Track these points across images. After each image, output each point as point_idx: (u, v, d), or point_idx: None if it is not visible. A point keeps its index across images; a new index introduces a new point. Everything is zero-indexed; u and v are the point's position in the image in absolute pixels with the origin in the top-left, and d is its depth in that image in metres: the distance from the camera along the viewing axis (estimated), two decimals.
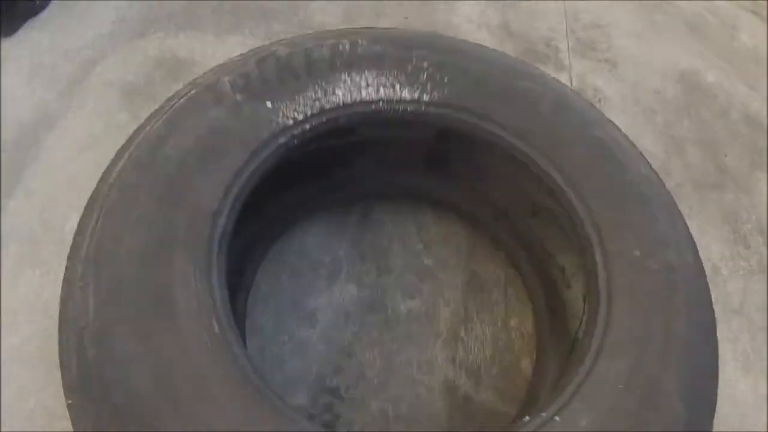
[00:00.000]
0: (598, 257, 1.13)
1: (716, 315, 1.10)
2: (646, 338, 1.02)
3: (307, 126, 1.19)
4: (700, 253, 1.20)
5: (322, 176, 1.51)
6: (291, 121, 1.17)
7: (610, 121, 1.37)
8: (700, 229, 1.76)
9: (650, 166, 1.31)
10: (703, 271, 1.18)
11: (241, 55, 1.29)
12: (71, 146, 1.59)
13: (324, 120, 1.21)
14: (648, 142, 1.99)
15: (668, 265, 1.11)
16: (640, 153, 1.33)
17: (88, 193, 1.05)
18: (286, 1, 2.09)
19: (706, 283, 1.16)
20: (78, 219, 1.03)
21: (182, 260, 0.94)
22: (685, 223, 1.24)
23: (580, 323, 1.26)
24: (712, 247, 1.77)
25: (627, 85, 2.19)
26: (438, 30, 2.11)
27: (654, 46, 2.45)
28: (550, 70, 2.03)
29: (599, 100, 2.09)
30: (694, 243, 1.22)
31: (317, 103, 1.21)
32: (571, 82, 2.13)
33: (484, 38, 2.16)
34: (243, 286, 1.38)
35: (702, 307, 1.12)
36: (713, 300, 1.13)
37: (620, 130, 1.35)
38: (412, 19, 2.17)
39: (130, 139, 1.12)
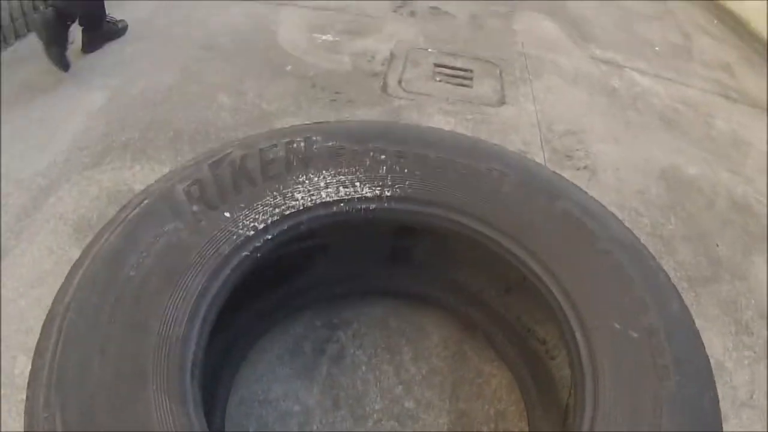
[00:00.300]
0: (579, 336, 1.16)
1: (725, 411, 1.13)
2: (635, 407, 1.04)
3: (269, 236, 1.24)
4: None
5: (286, 281, 1.54)
6: (252, 232, 1.23)
7: (577, 187, 1.46)
8: (700, 327, 1.77)
9: (622, 224, 1.38)
10: (690, 318, 1.21)
11: (194, 158, 1.37)
12: (20, 282, 1.63)
13: (285, 228, 1.27)
14: None
15: (650, 330, 1.15)
16: (612, 214, 1.40)
17: (37, 335, 1.05)
18: (247, 129, 2.24)
19: (694, 330, 1.19)
20: (27, 362, 1.02)
21: (156, 392, 0.94)
22: (665, 274, 1.29)
23: (570, 392, 1.26)
24: (714, 342, 1.78)
25: (609, 191, 2.30)
26: None
27: (632, 146, 2.64)
28: None
29: None
30: (677, 291, 1.25)
31: (277, 209, 1.28)
32: None
33: None
34: (218, 403, 1.36)
35: (692, 358, 1.14)
36: (720, 397, 1.15)
37: (588, 195, 1.43)
38: None
39: (84, 254, 1.14)
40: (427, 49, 3.13)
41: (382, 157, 1.42)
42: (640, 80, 3.40)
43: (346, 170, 1.39)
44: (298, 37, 3.07)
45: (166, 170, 1.95)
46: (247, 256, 1.21)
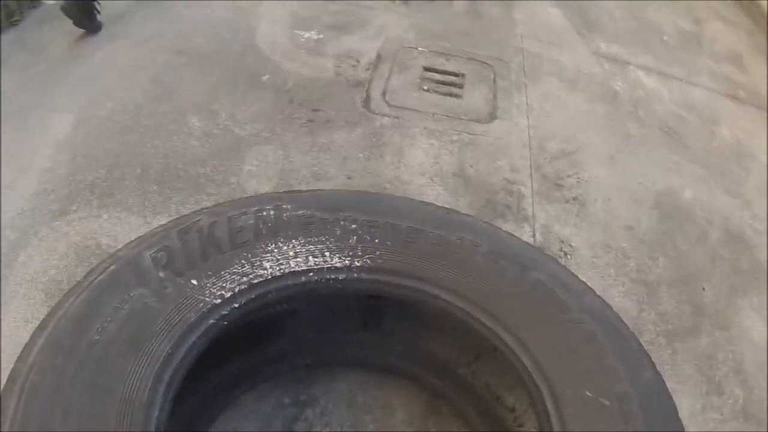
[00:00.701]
0: (550, 405, 1.29)
1: None
2: None
3: (236, 304, 1.36)
4: None
5: (254, 349, 1.66)
6: (219, 300, 1.34)
7: (550, 257, 1.59)
8: (673, 388, 1.85)
9: (594, 294, 1.52)
10: (663, 385, 1.35)
11: (163, 225, 1.48)
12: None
13: (253, 296, 1.38)
14: (618, 297, 2.12)
15: (621, 397, 1.29)
16: (584, 284, 1.54)
17: None
18: (217, 162, 2.32)
19: (668, 397, 1.34)
20: None
21: None
22: (638, 342, 1.43)
23: None
24: (683, 405, 1.86)
25: (597, 228, 2.39)
26: (387, 189, 2.31)
27: (628, 166, 2.74)
28: (510, 225, 2.25)
29: (566, 254, 2.24)
30: (650, 359, 1.40)
31: (245, 278, 1.39)
32: (534, 237, 2.27)
33: (438, 194, 2.35)
34: None
35: (664, 422, 1.29)
36: None
37: (561, 265, 1.57)
38: (356, 178, 2.36)
39: (50, 315, 1.25)
40: (416, 48, 3.20)
41: (354, 225, 1.54)
42: (645, 80, 3.48)
43: (316, 239, 1.51)
44: (279, 35, 3.13)
45: (133, 219, 2.09)
46: (213, 323, 1.32)
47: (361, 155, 2.44)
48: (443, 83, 2.98)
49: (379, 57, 3.07)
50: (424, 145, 2.55)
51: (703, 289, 2.27)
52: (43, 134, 2.39)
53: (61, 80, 2.67)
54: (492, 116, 2.83)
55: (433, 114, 2.76)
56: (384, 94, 2.82)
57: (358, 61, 3.01)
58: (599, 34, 3.92)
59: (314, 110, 2.63)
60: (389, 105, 2.76)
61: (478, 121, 2.78)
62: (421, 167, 2.46)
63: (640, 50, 3.85)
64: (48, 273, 1.92)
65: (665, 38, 4.17)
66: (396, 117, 2.69)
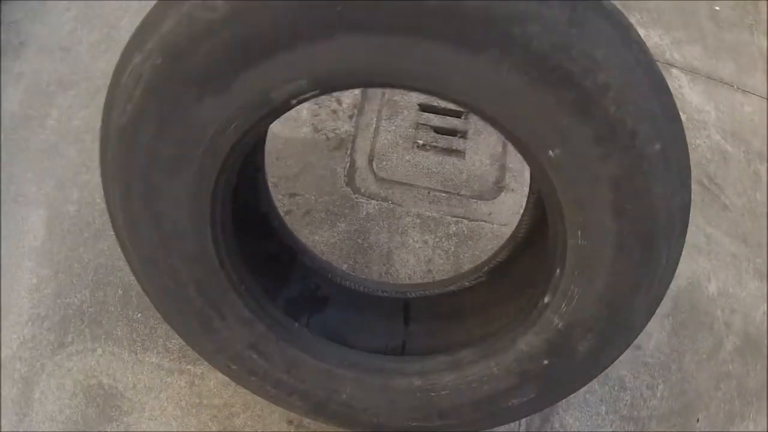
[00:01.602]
0: None
1: None
2: None
3: None
4: None
5: None
6: None
7: None
8: None
9: None
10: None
11: None
12: None
13: None
14: None
15: None
16: None
17: None
18: None
19: None
20: None
21: None
22: None
23: None
24: None
25: None
26: None
27: None
28: None
29: None
30: None
31: None
32: None
33: None
34: None
35: None
36: None
37: None
38: None
39: None
40: None
41: None
42: (689, 94, 3.81)
43: None
44: None
45: (126, 355, 2.58)
46: None
47: (345, 266, 2.82)
48: (443, 131, 3.26)
49: (364, 92, 3.34)
50: (417, 244, 2.91)
51: (698, 420, 2.71)
52: (19, 237, 2.82)
53: (22, 155, 3.04)
54: (499, 185, 3.13)
55: (429, 190, 3.05)
56: (371, 160, 3.11)
57: (339, 103, 3.30)
58: (638, 10, 4.20)
59: (291, 195, 2.98)
60: (377, 178, 3.05)
61: (480, 197, 3.07)
62: (411, 275, 2.83)
63: (685, 35, 4.16)
64: (64, 412, 2.47)
65: (716, 7, 4.45)
66: (385, 199, 3.00)
